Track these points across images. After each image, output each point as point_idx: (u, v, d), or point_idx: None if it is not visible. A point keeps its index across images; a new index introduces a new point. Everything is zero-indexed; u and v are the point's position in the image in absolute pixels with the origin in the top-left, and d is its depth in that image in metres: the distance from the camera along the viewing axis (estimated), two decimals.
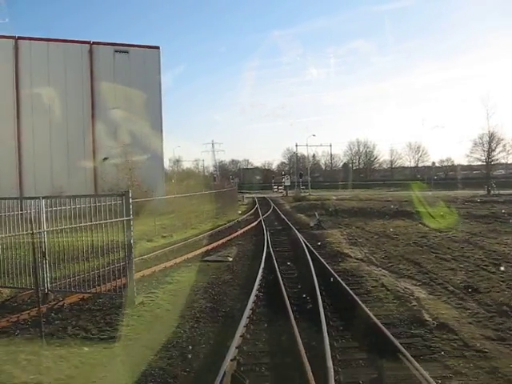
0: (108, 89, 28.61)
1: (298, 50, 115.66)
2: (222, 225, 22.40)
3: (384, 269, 10.94)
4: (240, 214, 29.81)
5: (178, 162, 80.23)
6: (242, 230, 19.67)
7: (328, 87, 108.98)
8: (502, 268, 9.93)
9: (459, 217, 19.88)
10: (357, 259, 12.35)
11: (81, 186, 27.03)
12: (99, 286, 8.07)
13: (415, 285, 9.21)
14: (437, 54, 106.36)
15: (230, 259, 12.93)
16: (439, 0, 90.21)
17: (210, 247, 15.07)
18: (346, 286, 8.43)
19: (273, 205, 35.85)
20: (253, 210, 31.88)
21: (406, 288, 8.80)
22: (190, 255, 13.44)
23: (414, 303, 7.65)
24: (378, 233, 17.30)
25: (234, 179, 56.96)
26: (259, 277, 9.64)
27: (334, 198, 36.87)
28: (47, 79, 26.76)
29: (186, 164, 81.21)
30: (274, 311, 7.31)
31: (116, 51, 28.82)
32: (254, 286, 8.73)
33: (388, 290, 8.61)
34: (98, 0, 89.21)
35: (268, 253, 12.90)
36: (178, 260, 12.71)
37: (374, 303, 7.72)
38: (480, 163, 69.32)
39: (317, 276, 9.20)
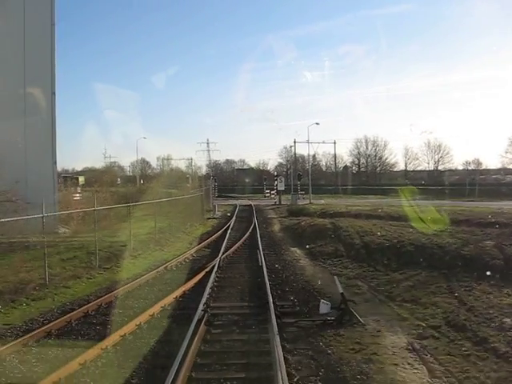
0: None
1: (293, 53, 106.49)
2: (115, 287, 9.90)
3: None
4: (190, 243, 17.13)
5: (167, 160, 69.42)
6: (139, 321, 7.27)
7: (323, 91, 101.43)
8: None
9: None
10: None
11: None
12: None
13: None
14: (434, 58, 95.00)
15: None
16: (437, 5, 78.93)
17: None
18: None
19: (255, 221, 23.24)
20: (219, 233, 19.42)
21: None
22: None
23: None
24: None
25: (210, 179, 43.25)
26: None
27: (345, 209, 24.13)
28: None
29: (179, 163, 71.74)
30: None
31: None
32: None
33: None
34: None
35: None
36: None
37: None
38: None
39: None
